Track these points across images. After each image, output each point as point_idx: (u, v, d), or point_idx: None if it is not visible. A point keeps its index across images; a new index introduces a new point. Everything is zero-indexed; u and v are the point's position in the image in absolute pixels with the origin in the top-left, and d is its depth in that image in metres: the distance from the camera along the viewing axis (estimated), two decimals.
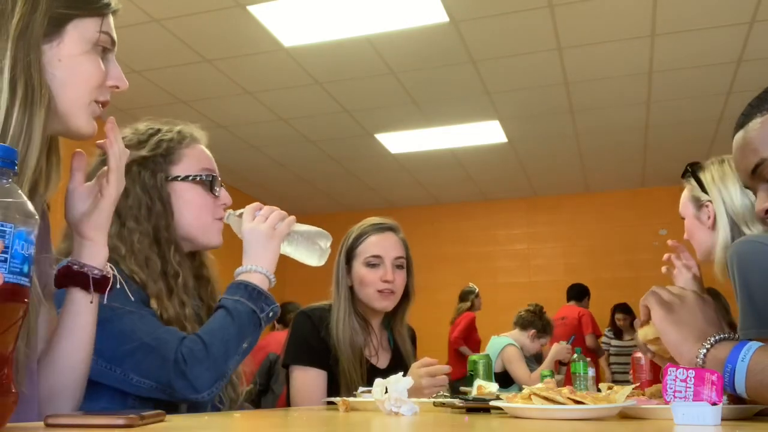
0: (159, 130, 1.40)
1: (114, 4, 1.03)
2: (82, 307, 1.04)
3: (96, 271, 1.04)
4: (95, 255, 1.04)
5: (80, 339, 1.04)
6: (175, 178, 1.36)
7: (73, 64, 0.97)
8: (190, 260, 1.43)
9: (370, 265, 1.97)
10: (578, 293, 6.34)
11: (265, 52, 4.37)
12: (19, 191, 0.71)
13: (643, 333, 1.10)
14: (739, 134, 1.08)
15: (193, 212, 1.37)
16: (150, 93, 4.90)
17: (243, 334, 1.25)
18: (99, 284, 1.05)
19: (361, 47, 4.30)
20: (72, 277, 1.03)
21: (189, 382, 1.15)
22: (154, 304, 1.26)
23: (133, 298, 1.23)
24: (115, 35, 1.02)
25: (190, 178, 1.37)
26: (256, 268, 1.31)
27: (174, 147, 1.38)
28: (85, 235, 1.04)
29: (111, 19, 1.02)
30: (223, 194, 1.42)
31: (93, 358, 1.11)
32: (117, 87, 1.03)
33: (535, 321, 4.45)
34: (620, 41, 4.22)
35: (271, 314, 1.30)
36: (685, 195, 1.94)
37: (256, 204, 1.40)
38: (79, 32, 0.98)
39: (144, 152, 1.35)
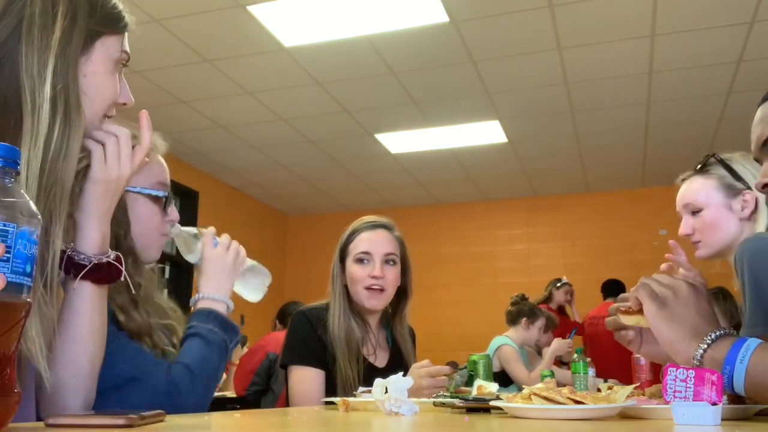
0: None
1: (132, 23, 1.04)
2: (71, 294, 1.02)
3: (82, 256, 1.01)
4: (85, 241, 1.02)
5: (76, 331, 1.02)
6: (132, 188, 1.31)
7: (96, 81, 0.99)
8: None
9: (359, 261, 1.97)
10: (616, 289, 5.91)
11: (265, 52, 4.37)
12: (22, 191, 0.71)
13: (636, 320, 1.07)
14: (762, 107, 1.08)
15: (141, 226, 1.32)
16: (150, 93, 4.89)
17: (221, 363, 1.30)
18: (90, 272, 1.01)
19: (361, 47, 4.30)
20: (65, 264, 1.00)
21: (180, 410, 1.14)
22: (120, 315, 1.24)
23: None
24: (129, 52, 1.04)
25: (145, 192, 1.33)
26: (222, 298, 1.34)
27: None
28: (74, 218, 1.02)
29: (127, 35, 1.04)
30: (172, 211, 1.37)
31: None
32: (125, 104, 1.07)
33: (522, 310, 4.46)
34: (620, 41, 4.22)
35: (232, 346, 1.34)
36: (708, 184, 1.85)
37: (212, 229, 1.41)
38: (106, 49, 1.00)
39: None
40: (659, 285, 1.03)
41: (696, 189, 1.87)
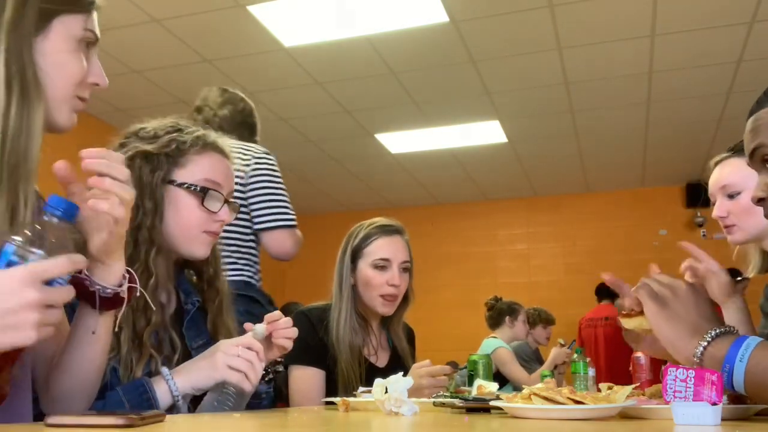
0: (179, 130, 1.37)
1: (99, 1, 1.03)
2: (91, 321, 1.02)
3: (108, 290, 1.01)
4: (108, 275, 1.02)
5: (92, 350, 1.03)
6: (172, 182, 1.33)
7: (57, 59, 0.98)
8: (201, 266, 1.43)
9: (378, 267, 1.97)
10: (611, 292, 5.84)
11: (265, 52, 4.37)
12: (68, 235, 0.80)
13: (638, 322, 1.08)
14: (750, 120, 1.08)
15: (179, 221, 1.33)
16: (150, 93, 4.89)
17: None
18: (109, 301, 1.02)
19: (361, 47, 4.30)
20: (82, 292, 0.99)
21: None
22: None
23: None
24: (98, 31, 1.02)
25: (185, 185, 1.33)
26: (175, 384, 1.20)
27: (184, 150, 1.35)
28: (99, 259, 1.00)
29: (95, 15, 1.02)
30: (223, 211, 1.36)
31: None
32: (97, 84, 1.03)
33: (501, 310, 4.50)
34: (620, 41, 4.22)
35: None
36: (747, 166, 1.84)
37: (256, 347, 1.26)
38: (65, 28, 0.98)
39: (150, 147, 1.33)
40: (659, 285, 1.04)
41: (734, 171, 1.79)
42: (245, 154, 2.43)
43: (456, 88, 4.93)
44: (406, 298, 2.06)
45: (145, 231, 1.29)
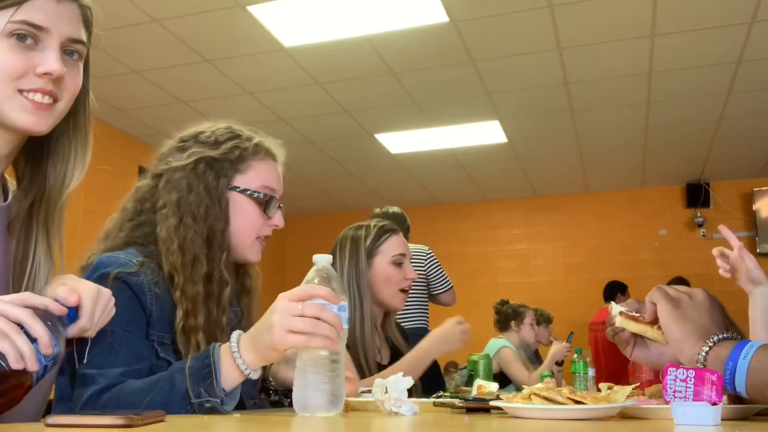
0: (238, 136, 1.40)
1: None
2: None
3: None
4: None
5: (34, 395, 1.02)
6: (235, 188, 1.36)
7: None
8: (237, 270, 1.44)
9: (396, 263, 2.00)
10: (618, 292, 5.95)
11: (265, 52, 4.37)
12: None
13: (641, 329, 1.08)
14: None
15: (240, 227, 1.36)
16: (150, 93, 4.89)
17: (166, 410, 1.02)
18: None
19: (361, 47, 4.30)
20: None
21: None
22: (180, 310, 1.23)
23: (143, 305, 1.22)
24: (39, 21, 0.98)
25: (248, 192, 1.37)
26: (241, 356, 1.08)
27: (246, 156, 1.38)
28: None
29: (36, 4, 0.98)
30: (277, 217, 1.41)
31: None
32: (48, 73, 0.98)
33: (507, 314, 4.51)
34: (620, 41, 4.22)
35: (207, 405, 1.07)
36: None
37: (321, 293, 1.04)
38: None
39: (215, 153, 1.36)
40: (675, 290, 1.05)
41: None
42: (423, 252, 4.18)
43: (456, 88, 4.93)
44: None
45: (218, 235, 1.32)
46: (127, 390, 1.12)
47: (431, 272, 4.13)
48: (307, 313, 1.00)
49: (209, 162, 1.35)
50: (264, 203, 1.38)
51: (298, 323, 1.00)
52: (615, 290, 6.05)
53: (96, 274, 1.21)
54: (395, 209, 4.09)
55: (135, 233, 1.33)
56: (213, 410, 1.07)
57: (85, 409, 1.10)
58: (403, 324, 2.12)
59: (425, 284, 4.12)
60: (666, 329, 1.02)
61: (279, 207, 1.42)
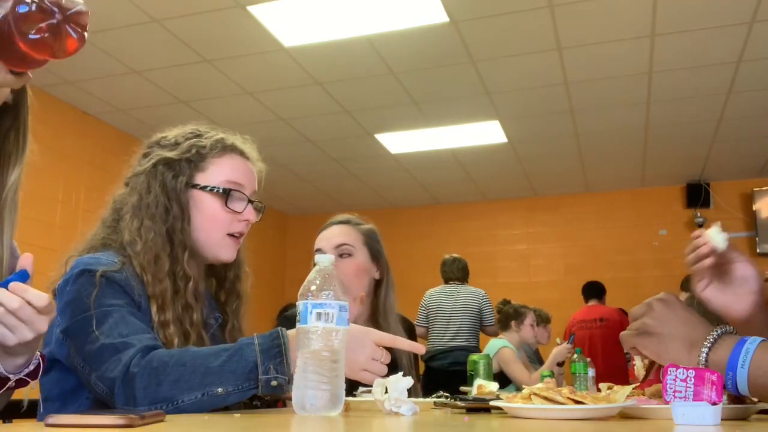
0: (198, 135, 1.40)
1: None
2: None
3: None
4: (8, 365, 1.02)
5: None
6: (195, 186, 1.36)
7: None
8: (223, 271, 1.45)
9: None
10: (599, 291, 5.97)
11: (265, 52, 4.37)
12: None
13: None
14: None
15: (205, 224, 1.36)
16: (150, 93, 4.89)
17: (224, 380, 1.09)
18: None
19: (361, 47, 4.30)
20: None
21: (130, 393, 1.09)
22: (153, 306, 1.26)
23: (132, 298, 1.23)
24: None
25: (208, 188, 1.36)
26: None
27: (204, 154, 1.38)
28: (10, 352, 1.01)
29: None
30: (247, 211, 1.39)
31: (70, 348, 1.14)
32: None
33: (508, 313, 4.51)
34: (620, 41, 4.22)
35: (273, 383, 1.09)
36: None
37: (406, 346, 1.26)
38: None
39: (173, 154, 1.37)
40: (632, 320, 1.05)
41: None
42: (479, 294, 5.06)
43: (456, 88, 4.93)
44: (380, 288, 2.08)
45: (178, 234, 1.32)
46: (190, 352, 1.13)
47: (484, 310, 5.01)
48: (383, 360, 1.17)
49: (167, 163, 1.36)
50: (225, 198, 1.36)
51: (376, 367, 1.16)
52: (596, 290, 5.96)
53: (77, 269, 1.22)
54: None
55: (111, 238, 1.35)
56: (276, 389, 1.09)
57: (130, 371, 1.09)
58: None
59: (479, 317, 5.02)
60: (657, 359, 1.02)
61: (250, 201, 1.40)
